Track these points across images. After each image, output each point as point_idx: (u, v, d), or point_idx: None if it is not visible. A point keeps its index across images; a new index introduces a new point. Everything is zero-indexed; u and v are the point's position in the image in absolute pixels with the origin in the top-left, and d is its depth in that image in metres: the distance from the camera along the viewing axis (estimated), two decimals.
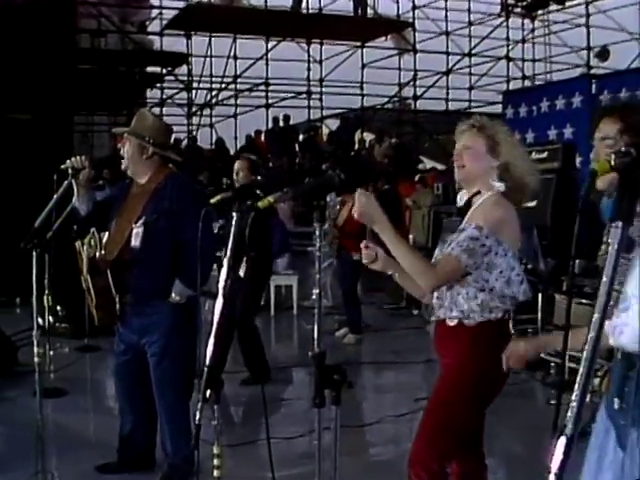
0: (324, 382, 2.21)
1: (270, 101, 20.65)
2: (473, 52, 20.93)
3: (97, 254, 3.92)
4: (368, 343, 8.51)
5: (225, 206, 2.61)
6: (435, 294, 3.02)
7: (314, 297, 2.40)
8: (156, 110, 20.61)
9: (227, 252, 2.39)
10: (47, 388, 5.19)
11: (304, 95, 20.81)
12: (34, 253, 3.87)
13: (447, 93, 21.12)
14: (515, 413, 5.41)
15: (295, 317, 10.08)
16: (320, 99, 21.10)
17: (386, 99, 21.31)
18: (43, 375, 4.53)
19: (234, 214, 2.48)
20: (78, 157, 4.14)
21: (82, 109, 17.42)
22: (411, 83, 21.04)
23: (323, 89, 20.97)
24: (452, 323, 2.96)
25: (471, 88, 21.57)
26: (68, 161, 4.14)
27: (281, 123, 19.49)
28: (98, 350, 7.67)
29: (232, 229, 2.43)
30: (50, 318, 6.64)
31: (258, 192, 2.82)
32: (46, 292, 5.84)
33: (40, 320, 8.03)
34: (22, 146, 10.64)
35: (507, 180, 2.98)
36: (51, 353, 6.61)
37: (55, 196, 3.99)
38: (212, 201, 2.74)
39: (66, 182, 4.11)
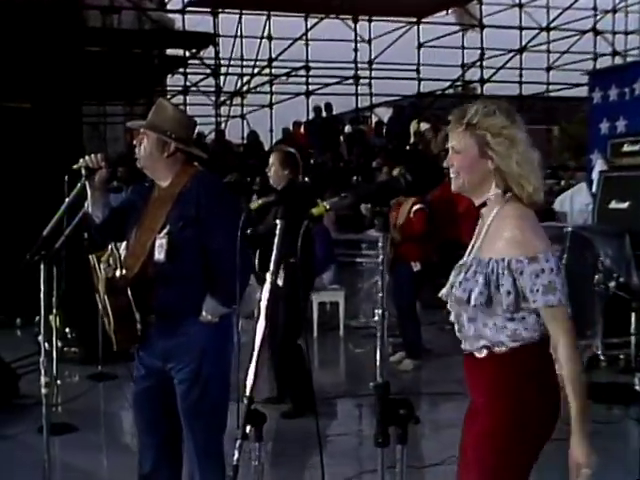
0: (388, 417, 2.18)
1: (311, 88, 20.84)
2: (552, 25, 20.80)
3: (117, 273, 3.92)
4: (428, 370, 8.47)
5: (267, 212, 2.62)
6: (455, 326, 3.03)
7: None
8: (178, 99, 20.92)
9: (270, 266, 2.39)
10: (54, 423, 5.18)
11: (350, 80, 20.90)
12: (42, 266, 3.92)
13: (520, 75, 21.08)
14: (609, 458, 5.26)
15: (341, 339, 10.09)
16: (369, 85, 21.22)
17: (447, 83, 21.33)
18: (50, 408, 4.57)
19: (278, 222, 2.48)
20: (93, 155, 4.15)
21: (92, 98, 17.65)
22: (477, 64, 21.00)
23: (372, 73, 21.07)
24: (481, 354, 2.94)
25: (549, 68, 21.45)
26: (81, 160, 4.16)
27: (323, 113, 19.56)
28: (113, 378, 7.74)
29: (276, 239, 2.43)
30: (58, 341, 6.71)
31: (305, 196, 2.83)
32: (54, 311, 5.90)
33: (46, 344, 8.20)
34: (22, 140, 10.76)
35: (511, 184, 2.95)
36: (59, 382, 6.66)
37: (66, 200, 4.03)
38: (252, 206, 2.73)
39: (79, 184, 4.14)
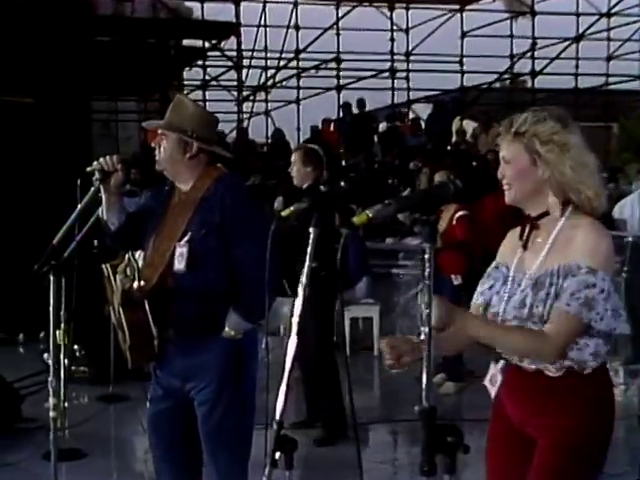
0: (435, 445, 2.20)
1: (342, 82, 20.85)
2: (613, 11, 20.67)
3: (135, 285, 3.97)
4: (471, 393, 8.42)
5: (300, 220, 2.66)
6: None
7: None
8: (197, 94, 21.03)
9: (302, 278, 2.41)
10: (61, 449, 5.21)
11: (386, 74, 20.92)
12: (51, 277, 3.96)
13: (576, 66, 20.96)
14: None
15: (376, 359, 10.05)
16: (406, 78, 21.20)
17: (494, 76, 21.26)
18: (57, 433, 4.62)
19: (311, 230, 2.50)
20: (108, 157, 4.19)
21: (102, 92, 17.78)
22: (527, 55, 20.93)
23: (410, 65, 21.06)
24: (557, 373, 3.01)
25: (609, 58, 21.32)
26: (95, 162, 4.20)
27: (355, 110, 19.61)
28: (125, 400, 7.81)
29: (309, 249, 2.45)
30: (66, 360, 6.78)
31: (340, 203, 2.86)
32: (62, 326, 5.97)
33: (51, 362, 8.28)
34: (23, 139, 10.82)
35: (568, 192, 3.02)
36: (66, 404, 6.66)
37: (79, 206, 4.10)
38: (283, 214, 2.74)
39: (92, 189, 4.18)
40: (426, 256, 2.42)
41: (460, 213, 8.53)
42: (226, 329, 4.06)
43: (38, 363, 8.32)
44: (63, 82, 11.12)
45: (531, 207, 3.10)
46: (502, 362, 3.10)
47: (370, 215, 2.47)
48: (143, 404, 4.65)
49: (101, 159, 4.21)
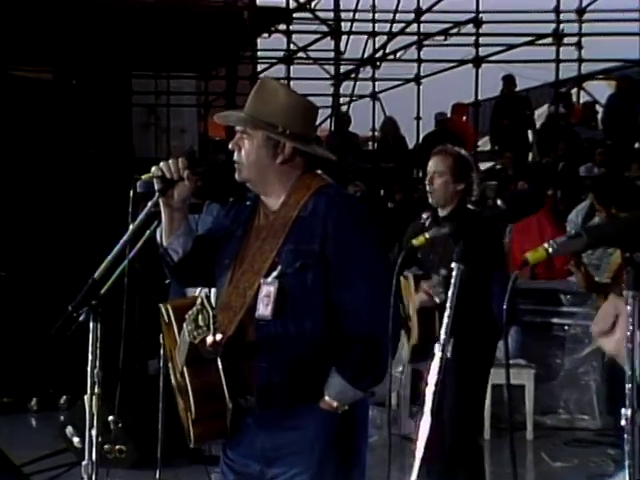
0: None
1: (482, 52, 20.57)
2: None
3: (209, 339, 3.96)
4: None
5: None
6: None
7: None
8: (277, 70, 21.23)
9: (441, 332, 2.45)
10: None
11: (547, 40, 20.73)
12: (91, 322, 4.11)
13: None
14: None
15: (530, 444, 10.07)
16: (577, 45, 21.03)
17: None
18: None
19: (454, 265, 2.54)
20: (172, 161, 4.27)
21: (146, 67, 18.04)
22: None
23: (582, 27, 20.91)
24: None
25: None
26: (154, 168, 4.28)
27: (499, 90, 19.59)
28: None
29: (450, 291, 2.49)
30: (96, 433, 6.92)
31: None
32: (96, 390, 6.11)
33: (76, 438, 8.40)
34: (39, 128, 10.92)
35: None
36: None
37: (131, 227, 4.22)
38: (415, 242, 2.78)
39: (150, 203, 4.26)
40: (629, 304, 2.41)
41: None
42: (326, 397, 4.10)
43: (57, 439, 8.51)
44: (93, 53, 11.27)
45: None
46: None
47: (556, 249, 2.50)
48: None
49: (162, 164, 4.29)
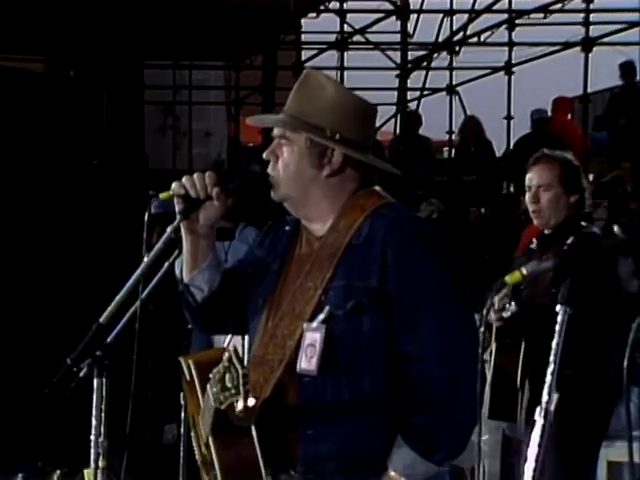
0: None
1: (593, 32, 20.22)
2: None
3: (239, 404, 3.93)
4: None
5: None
6: None
7: None
8: (327, 58, 21.38)
9: (544, 392, 2.69)
10: None
11: None
12: (95, 379, 4.39)
13: None
14: None
15: None
16: None
17: None
18: None
19: (559, 308, 2.79)
20: (197, 175, 4.33)
21: (161, 55, 18.37)
22: None
23: None
24: None
25: None
26: (175, 184, 4.34)
27: (616, 80, 19.61)
28: None
29: (554, 341, 2.73)
30: None
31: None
32: (101, 462, 6.46)
33: None
34: (29, 132, 11.48)
35: None
36: None
37: (145, 259, 4.30)
38: (508, 280, 3.03)
39: (169, 229, 4.32)
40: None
41: None
42: (391, 473, 4.21)
43: None
44: (94, 37, 11.65)
45: None
46: None
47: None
48: None
49: (185, 179, 4.36)
